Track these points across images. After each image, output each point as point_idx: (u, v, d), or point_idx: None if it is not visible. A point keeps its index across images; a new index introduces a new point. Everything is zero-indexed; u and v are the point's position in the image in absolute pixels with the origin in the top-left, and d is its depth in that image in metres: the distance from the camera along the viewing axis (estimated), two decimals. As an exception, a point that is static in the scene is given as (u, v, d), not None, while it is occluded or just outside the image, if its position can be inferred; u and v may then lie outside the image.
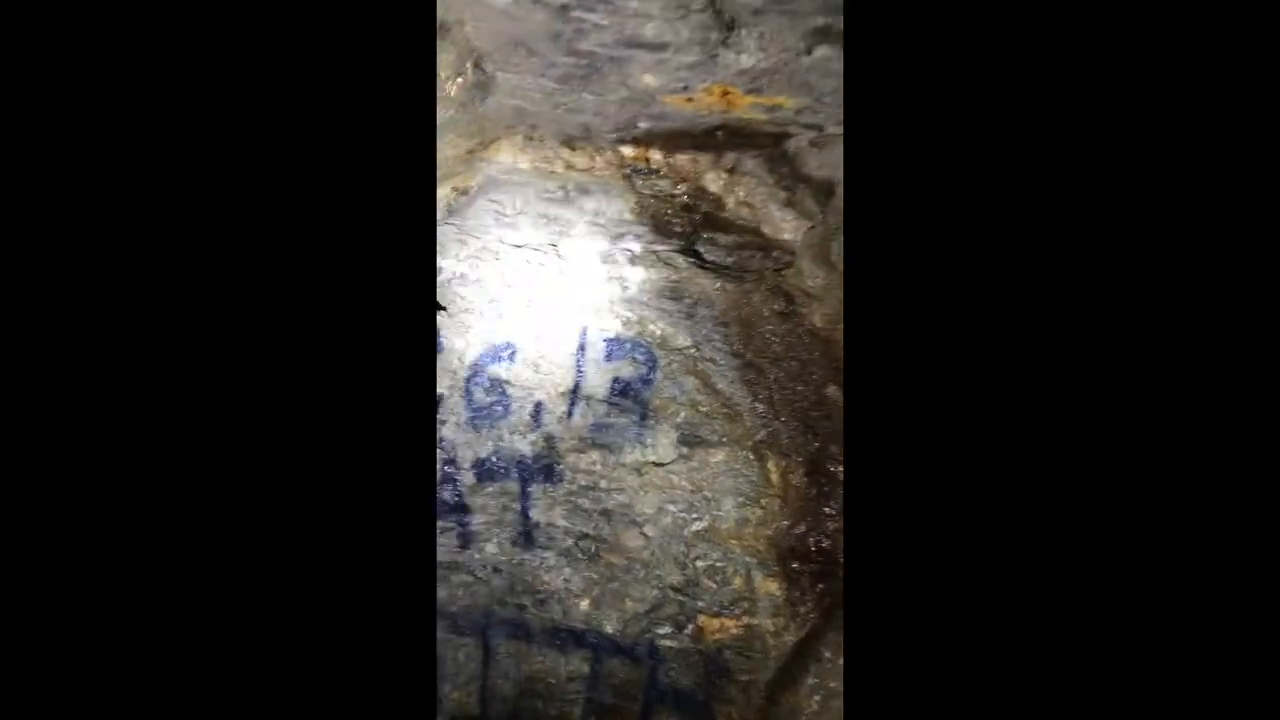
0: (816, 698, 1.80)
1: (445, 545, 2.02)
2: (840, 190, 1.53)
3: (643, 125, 1.55)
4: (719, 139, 1.58)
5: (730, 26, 1.13)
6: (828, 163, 1.48)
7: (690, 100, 1.36)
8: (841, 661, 1.81)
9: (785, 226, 1.79)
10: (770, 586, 1.94)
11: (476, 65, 1.34)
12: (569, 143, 1.69)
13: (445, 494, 2.02)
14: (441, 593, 2.02)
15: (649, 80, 1.30)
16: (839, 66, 1.15)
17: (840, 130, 1.38)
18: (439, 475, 2.00)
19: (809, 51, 1.14)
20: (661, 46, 1.18)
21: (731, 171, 1.72)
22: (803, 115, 1.37)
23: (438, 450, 2.00)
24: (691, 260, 1.96)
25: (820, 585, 1.92)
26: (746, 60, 1.18)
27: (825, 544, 1.93)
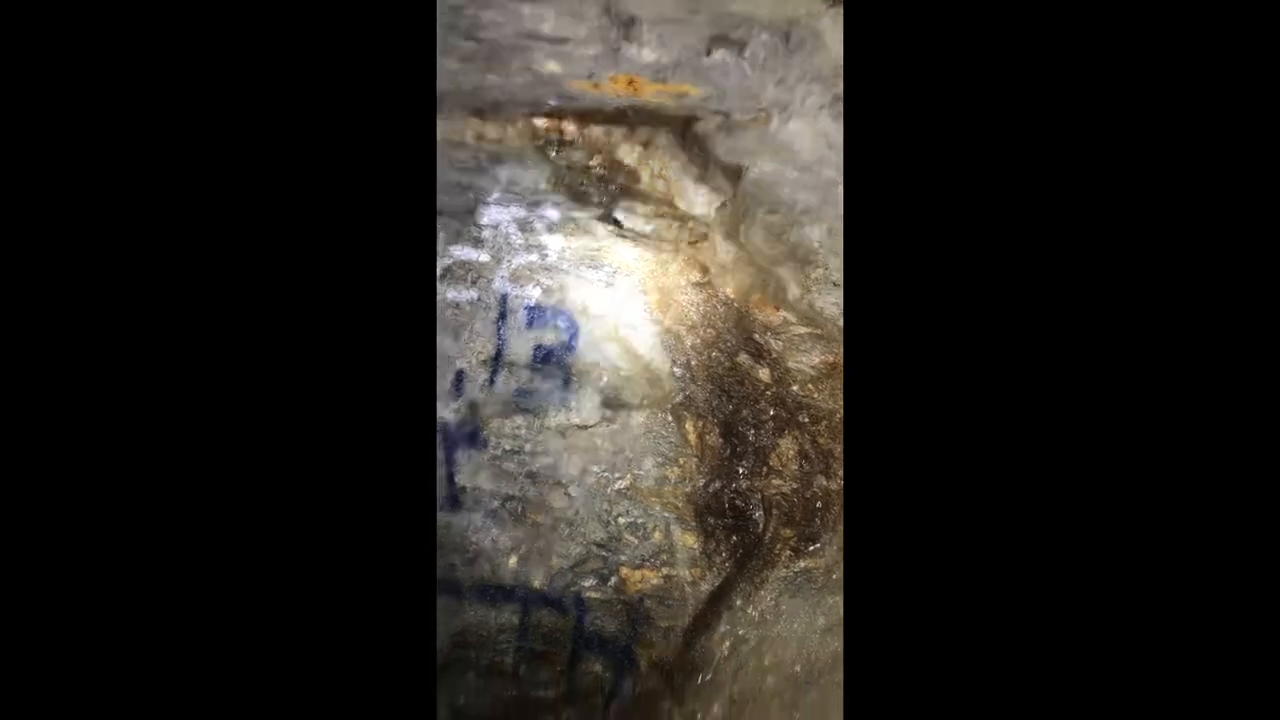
0: (728, 643, 1.95)
1: (372, 511, 2.04)
2: (748, 174, 1.54)
3: (552, 102, 1.52)
4: (629, 117, 1.56)
5: (629, 24, 1.11)
6: (736, 148, 1.49)
7: (597, 86, 1.34)
8: (750, 610, 1.96)
9: (698, 201, 1.81)
10: (688, 540, 2.05)
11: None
12: (479, 114, 1.64)
13: (369, 463, 2.02)
14: (371, 555, 2.05)
15: (553, 67, 1.28)
16: (736, 68, 1.16)
17: (748, 118, 1.39)
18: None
19: (709, 53, 1.14)
20: (562, 40, 1.16)
21: (646, 145, 1.71)
22: (709, 102, 1.37)
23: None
24: (610, 229, 1.96)
25: (733, 538, 2.05)
26: (649, 55, 1.17)
27: (737, 501, 2.05)
